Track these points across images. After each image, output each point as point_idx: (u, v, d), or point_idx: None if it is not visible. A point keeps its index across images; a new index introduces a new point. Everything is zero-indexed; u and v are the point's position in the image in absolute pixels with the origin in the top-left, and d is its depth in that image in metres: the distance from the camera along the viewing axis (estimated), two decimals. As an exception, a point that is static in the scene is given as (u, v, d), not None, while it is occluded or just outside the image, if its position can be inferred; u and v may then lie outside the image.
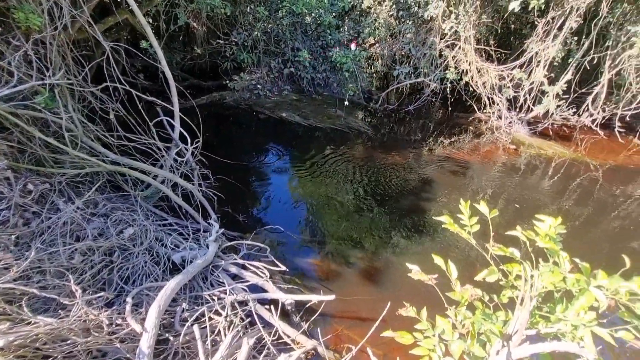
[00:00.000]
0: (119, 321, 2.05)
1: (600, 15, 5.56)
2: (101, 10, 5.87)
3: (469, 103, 7.77)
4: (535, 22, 6.45)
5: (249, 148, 5.66)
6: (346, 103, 7.42)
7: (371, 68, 10.61)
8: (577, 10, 5.66)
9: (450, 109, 8.20)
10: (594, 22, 5.75)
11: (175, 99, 3.91)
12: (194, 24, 6.81)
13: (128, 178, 3.36)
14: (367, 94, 8.57)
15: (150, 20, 7.40)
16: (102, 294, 2.14)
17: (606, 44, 6.14)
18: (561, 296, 1.07)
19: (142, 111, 3.37)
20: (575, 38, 6.30)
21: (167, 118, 3.50)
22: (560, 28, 6.07)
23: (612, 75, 6.19)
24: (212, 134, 6.19)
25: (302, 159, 5.39)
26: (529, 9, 6.16)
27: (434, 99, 8.15)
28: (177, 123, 3.89)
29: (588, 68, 6.28)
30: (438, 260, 1.20)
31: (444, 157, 5.93)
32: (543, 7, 6.00)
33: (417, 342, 1.16)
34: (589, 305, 0.92)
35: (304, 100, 7.52)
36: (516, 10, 6.19)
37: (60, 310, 1.98)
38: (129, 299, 2.15)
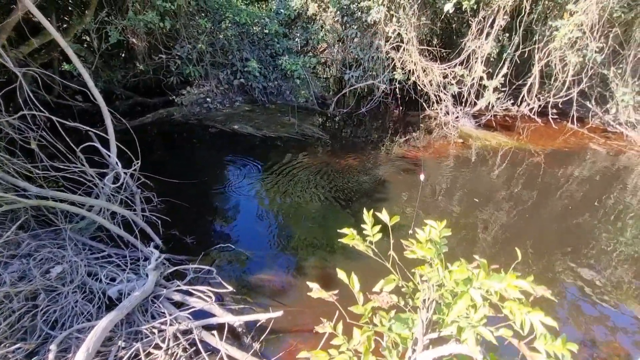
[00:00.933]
0: (42, 372, 1.87)
1: (524, 12, 5.98)
2: (31, 29, 5.47)
3: (419, 102, 8.06)
4: (469, 22, 6.82)
5: (200, 165, 5.49)
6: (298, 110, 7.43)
7: (326, 73, 10.73)
8: (504, 9, 6.05)
9: (401, 108, 8.45)
10: (519, 19, 6.17)
11: (108, 121, 3.70)
12: (134, 40, 6.53)
13: (58, 211, 3.11)
14: (321, 99, 8.64)
15: (88, 39, 7.01)
16: (19, 345, 1.95)
17: (534, 39, 6.62)
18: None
19: (71, 137, 3.15)
20: (507, 35, 6.74)
21: (95, 143, 3.27)
22: (491, 26, 6.46)
23: (541, 66, 6.67)
24: (161, 153, 5.94)
25: (255, 171, 5.30)
26: (463, 9, 6.51)
27: (386, 100, 8.36)
28: (112, 147, 3.68)
29: (518, 62, 6.73)
30: (341, 274, 1.19)
31: (400, 157, 6.05)
32: (475, 7, 6.37)
33: (331, 360, 1.14)
34: (466, 308, 0.95)
35: (257, 110, 7.44)
36: (450, 11, 6.52)
37: (-33, 371, 1.77)
38: (52, 347, 1.97)
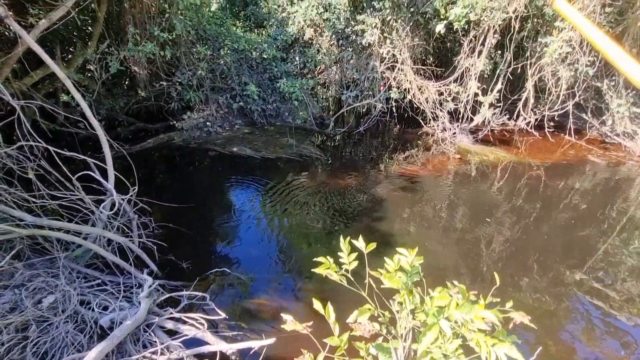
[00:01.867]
0: (27, 408, 1.84)
1: (513, 30, 6.12)
2: (37, 61, 5.67)
3: (416, 119, 8.14)
4: (461, 41, 6.97)
5: (200, 188, 5.53)
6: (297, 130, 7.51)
7: (325, 94, 10.93)
8: (493, 28, 6.20)
9: (398, 126, 8.53)
10: (509, 37, 6.30)
11: (106, 148, 3.78)
12: (135, 69, 6.75)
13: (53, 239, 3.13)
14: (320, 120, 8.75)
15: (92, 68, 7.26)
16: (6, 379, 1.92)
17: (525, 55, 6.73)
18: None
19: (72, 165, 3.21)
20: (499, 52, 6.87)
21: (91, 172, 3.32)
22: (483, 44, 6.60)
23: (535, 81, 6.75)
24: (162, 177, 6.01)
25: (254, 193, 5.32)
26: (454, 29, 6.67)
27: (384, 119, 8.46)
28: (110, 174, 3.73)
29: (511, 77, 6.82)
30: (317, 304, 1.18)
31: (399, 175, 6.01)
32: (465, 27, 6.53)
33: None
34: (435, 339, 0.93)
35: (256, 132, 7.55)
36: (442, 32, 6.68)
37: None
38: (39, 380, 1.94)
